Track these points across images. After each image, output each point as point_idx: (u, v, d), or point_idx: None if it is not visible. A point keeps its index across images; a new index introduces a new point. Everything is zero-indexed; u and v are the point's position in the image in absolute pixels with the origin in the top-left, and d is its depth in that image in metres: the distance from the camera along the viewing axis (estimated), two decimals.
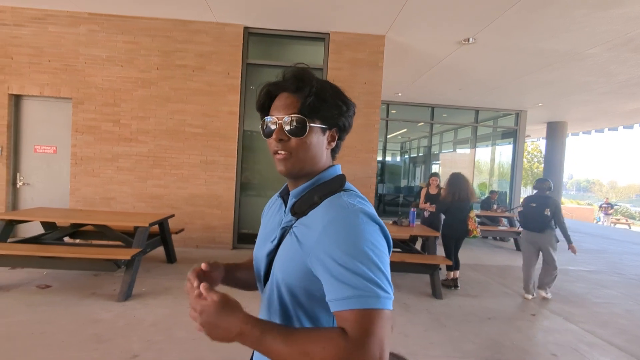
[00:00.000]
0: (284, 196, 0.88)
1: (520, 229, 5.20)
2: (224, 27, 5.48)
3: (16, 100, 5.46)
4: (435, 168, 11.33)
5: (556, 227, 4.27)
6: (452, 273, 4.51)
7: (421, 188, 5.91)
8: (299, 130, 0.75)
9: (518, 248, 7.27)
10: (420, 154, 11.77)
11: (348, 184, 0.81)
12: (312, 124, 0.76)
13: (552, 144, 12.14)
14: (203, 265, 0.80)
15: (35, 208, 4.57)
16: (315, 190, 0.79)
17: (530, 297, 4.28)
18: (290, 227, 0.78)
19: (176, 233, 4.90)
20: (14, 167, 5.50)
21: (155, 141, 5.47)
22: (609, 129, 13.32)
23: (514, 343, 3.07)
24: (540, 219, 4.23)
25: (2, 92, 5.32)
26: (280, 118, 0.75)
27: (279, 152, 0.76)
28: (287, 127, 0.75)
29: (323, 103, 0.76)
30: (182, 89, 5.47)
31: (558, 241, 4.32)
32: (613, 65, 6.24)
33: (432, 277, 4.17)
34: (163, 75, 5.46)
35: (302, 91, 0.75)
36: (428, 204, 5.30)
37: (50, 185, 5.57)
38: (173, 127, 5.48)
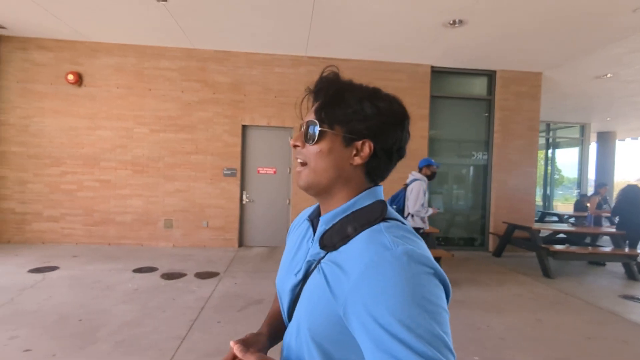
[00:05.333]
0: (314, 219, 0.76)
1: None
2: (417, 67, 6.64)
3: (243, 129, 6.45)
4: None
5: None
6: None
7: (585, 196, 7.20)
8: (310, 136, 0.68)
9: None
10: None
11: (391, 211, 0.69)
12: (323, 129, 0.67)
13: (603, 151, 13.71)
14: (236, 348, 0.65)
15: None
16: (348, 219, 0.67)
17: None
18: (318, 261, 0.66)
19: None
20: (241, 186, 6.47)
21: None
22: None
23: None
24: None
25: (237, 124, 6.31)
26: (302, 124, 0.71)
27: (297, 161, 0.71)
28: (303, 133, 0.69)
29: (340, 106, 0.68)
30: None
31: None
32: None
33: (629, 265, 5.40)
34: None
35: (319, 94, 0.71)
36: (604, 209, 6.58)
37: (269, 201, 6.56)
38: None
